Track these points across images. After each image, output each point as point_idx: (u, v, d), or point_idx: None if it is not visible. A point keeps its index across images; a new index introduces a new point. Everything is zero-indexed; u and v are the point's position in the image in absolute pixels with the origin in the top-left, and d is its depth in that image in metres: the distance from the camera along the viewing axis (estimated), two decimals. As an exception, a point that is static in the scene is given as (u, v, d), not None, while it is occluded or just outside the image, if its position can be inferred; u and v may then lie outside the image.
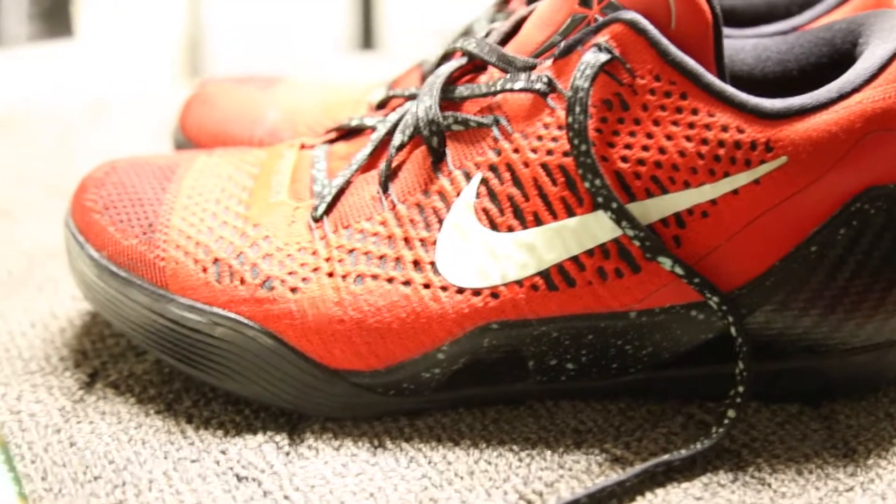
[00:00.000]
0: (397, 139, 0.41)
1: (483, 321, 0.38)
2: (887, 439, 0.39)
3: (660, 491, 0.36)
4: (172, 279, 0.40)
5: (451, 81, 0.41)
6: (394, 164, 0.41)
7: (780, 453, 0.38)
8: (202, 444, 0.39)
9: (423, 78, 0.51)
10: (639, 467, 0.37)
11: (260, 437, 0.39)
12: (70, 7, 1.17)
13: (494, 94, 0.39)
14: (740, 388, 0.38)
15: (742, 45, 0.43)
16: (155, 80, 1.22)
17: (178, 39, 1.26)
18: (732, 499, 0.36)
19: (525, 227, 0.38)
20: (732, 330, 0.37)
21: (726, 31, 0.47)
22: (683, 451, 0.37)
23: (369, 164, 0.42)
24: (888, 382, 0.42)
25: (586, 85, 0.36)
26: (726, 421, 0.38)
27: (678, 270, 0.37)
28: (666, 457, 0.37)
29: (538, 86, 0.38)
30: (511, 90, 0.39)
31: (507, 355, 0.39)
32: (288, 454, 0.39)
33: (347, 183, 0.41)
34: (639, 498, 0.36)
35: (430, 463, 0.38)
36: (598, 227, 0.37)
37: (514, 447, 0.39)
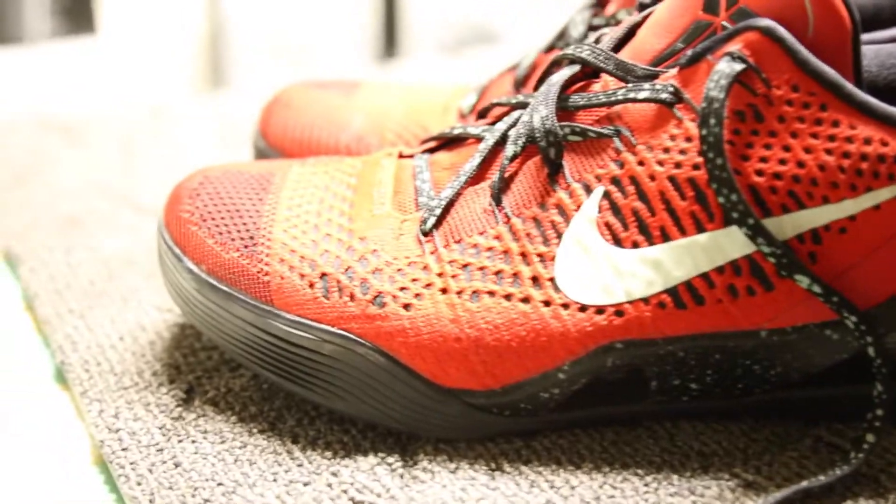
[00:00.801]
0: (510, 150, 0.39)
1: (607, 340, 0.37)
2: None
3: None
4: (277, 294, 0.39)
5: (563, 90, 0.40)
6: (506, 176, 0.39)
7: (915, 478, 0.37)
8: (312, 466, 0.38)
9: (518, 84, 0.49)
10: (778, 494, 0.35)
11: (371, 458, 0.38)
12: (92, 3, 1.16)
13: (615, 104, 0.38)
14: (879, 412, 0.36)
15: (864, 51, 0.42)
16: (175, 78, 1.21)
17: (199, 35, 1.25)
18: (872, 527, 0.35)
19: (651, 243, 0.36)
20: (870, 350, 0.36)
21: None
22: (822, 478, 0.36)
23: (478, 175, 0.40)
24: None
25: (721, 95, 0.34)
26: (865, 445, 0.36)
27: (816, 289, 0.35)
28: (804, 483, 0.35)
29: (664, 96, 0.36)
30: (634, 100, 0.37)
31: (629, 375, 0.38)
32: (402, 477, 0.37)
33: (457, 195, 0.40)
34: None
35: (552, 487, 0.37)
36: (729, 243, 0.36)
37: (639, 471, 0.37)
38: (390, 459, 0.38)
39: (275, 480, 0.37)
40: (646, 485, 0.37)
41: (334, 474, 0.37)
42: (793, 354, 0.37)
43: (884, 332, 0.36)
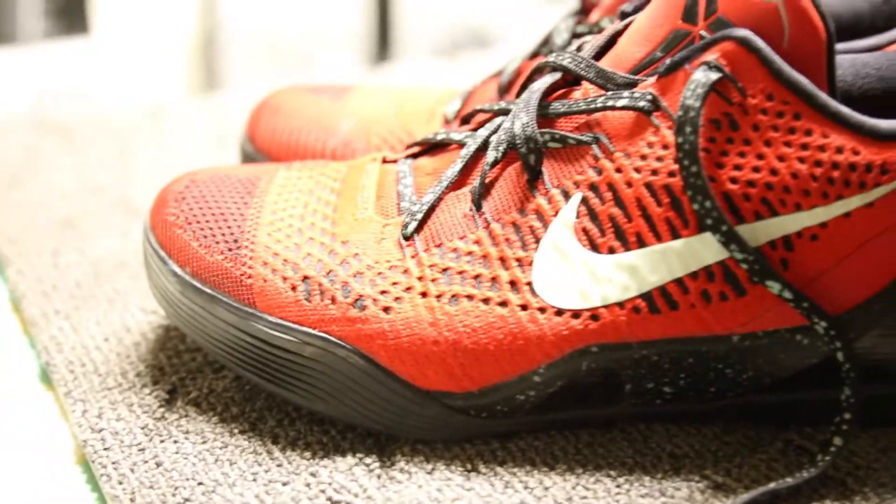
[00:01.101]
0: (491, 156, 0.40)
1: (582, 344, 0.37)
2: None
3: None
4: (260, 297, 0.39)
5: (544, 97, 0.40)
6: (487, 181, 0.40)
7: (886, 481, 0.37)
8: (291, 466, 0.38)
9: (501, 90, 0.50)
10: (745, 496, 0.36)
11: (350, 459, 0.39)
12: (86, 3, 1.17)
13: (594, 111, 0.38)
14: (847, 415, 0.37)
15: (840, 60, 0.42)
16: (170, 79, 1.21)
17: (194, 35, 1.25)
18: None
19: (627, 249, 0.37)
20: (840, 355, 0.36)
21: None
22: (790, 480, 0.36)
23: (460, 180, 0.41)
24: None
25: (698, 104, 0.35)
26: (832, 448, 0.37)
27: (786, 295, 0.36)
28: (772, 485, 0.36)
29: (642, 104, 0.37)
30: (613, 108, 0.38)
31: (604, 378, 0.38)
32: (380, 477, 0.38)
33: (438, 200, 0.40)
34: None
35: (526, 488, 0.37)
36: (703, 250, 0.36)
37: (611, 472, 0.38)
38: (368, 460, 0.38)
39: (254, 480, 0.38)
40: (618, 486, 0.37)
41: (313, 474, 0.38)
42: (764, 359, 0.38)
43: (854, 336, 0.37)
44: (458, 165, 0.41)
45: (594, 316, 0.37)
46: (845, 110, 0.35)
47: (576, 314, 0.37)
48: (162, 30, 1.23)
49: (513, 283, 0.38)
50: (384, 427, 0.39)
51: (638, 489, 0.37)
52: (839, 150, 0.35)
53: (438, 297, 0.38)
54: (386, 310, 0.38)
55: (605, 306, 0.37)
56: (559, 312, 0.37)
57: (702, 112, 0.35)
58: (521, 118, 0.39)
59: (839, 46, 0.46)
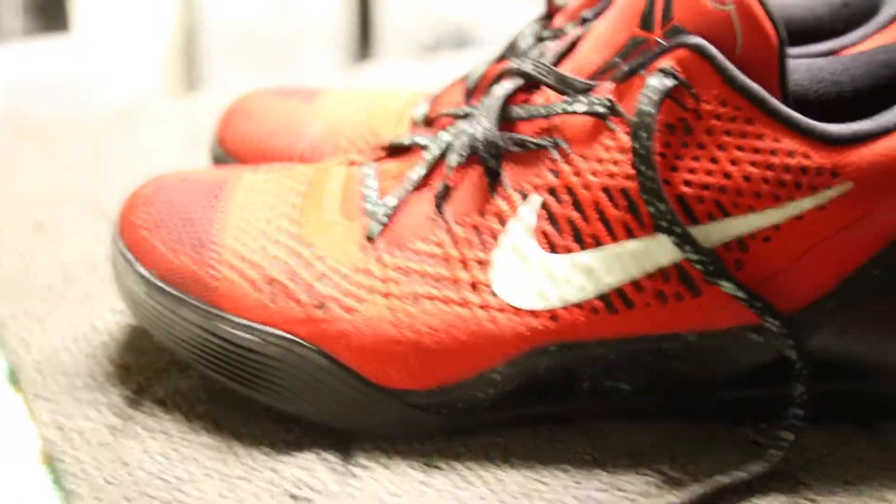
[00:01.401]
0: (453, 159, 0.40)
1: (541, 343, 0.38)
2: None
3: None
4: (225, 298, 0.40)
5: (506, 101, 0.41)
6: (449, 184, 0.40)
7: (836, 475, 0.38)
8: (254, 463, 0.39)
9: (468, 94, 0.51)
10: (695, 490, 0.36)
11: (311, 455, 0.39)
12: (66, 1, 1.17)
13: (553, 116, 0.39)
14: (797, 411, 0.37)
15: (796, 65, 0.43)
16: (150, 76, 1.21)
17: (174, 33, 1.25)
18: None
19: (584, 250, 0.38)
20: (792, 353, 0.37)
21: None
22: (741, 474, 0.37)
23: (423, 183, 0.41)
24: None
25: (653, 110, 0.36)
26: (782, 443, 0.38)
27: (740, 294, 0.36)
28: (724, 479, 0.37)
29: (599, 109, 0.38)
30: (572, 113, 0.38)
31: (563, 376, 0.39)
32: (341, 473, 0.38)
33: (401, 202, 0.41)
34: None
35: (484, 483, 0.38)
36: (658, 251, 0.37)
37: (569, 468, 0.39)
38: (330, 457, 0.39)
39: (217, 477, 0.38)
40: (576, 481, 0.38)
41: (274, 471, 0.38)
42: (720, 356, 0.38)
43: (806, 335, 0.38)
44: (422, 169, 0.41)
45: (553, 316, 0.38)
46: (796, 115, 0.36)
47: (534, 314, 0.38)
48: (142, 27, 1.23)
49: (473, 284, 0.38)
50: (347, 424, 0.40)
51: (594, 484, 0.38)
52: (790, 154, 0.36)
53: (400, 297, 0.39)
54: (349, 310, 0.39)
55: (564, 307, 0.38)
56: (518, 312, 0.38)
57: (657, 117, 0.36)
58: (482, 123, 0.40)
59: (798, 51, 0.47)
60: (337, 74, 0.91)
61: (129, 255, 0.42)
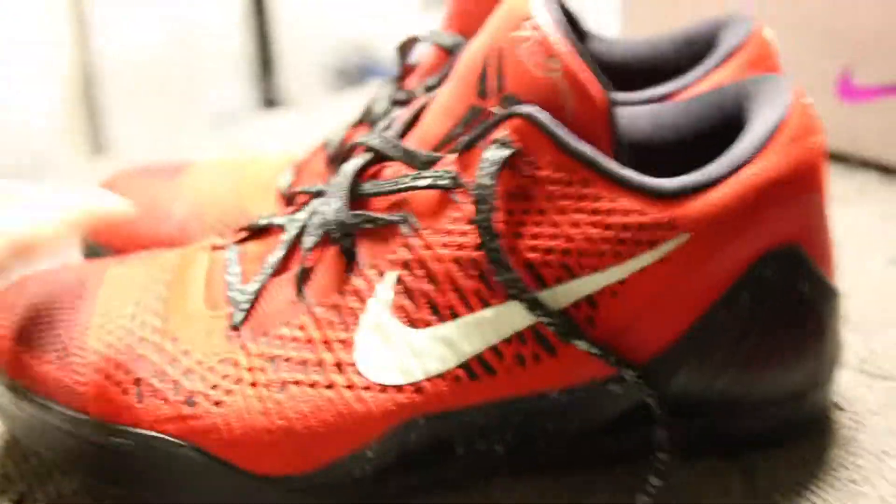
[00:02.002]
0: (308, 241, 0.41)
1: (409, 417, 0.39)
2: (803, 485, 0.41)
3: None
4: (93, 403, 0.40)
5: (358, 176, 0.42)
6: (307, 266, 0.41)
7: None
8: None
9: (329, 161, 0.51)
10: None
11: None
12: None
13: (401, 191, 0.40)
14: (661, 456, 0.39)
15: (639, 112, 0.45)
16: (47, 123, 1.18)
17: (69, 73, 1.23)
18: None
19: (442, 322, 0.38)
20: (651, 400, 0.38)
21: (620, 95, 0.48)
22: None
23: (282, 267, 0.42)
24: (805, 429, 0.44)
25: (491, 182, 0.37)
26: (649, 489, 0.39)
27: (594, 350, 0.38)
28: None
29: (444, 182, 0.39)
30: (417, 188, 0.39)
31: (436, 444, 0.40)
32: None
33: (262, 288, 0.41)
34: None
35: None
36: (513, 316, 0.38)
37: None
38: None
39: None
40: None
41: None
42: (585, 409, 0.40)
43: (663, 380, 0.39)
44: (280, 251, 0.42)
45: (417, 389, 0.38)
46: (630, 174, 0.38)
47: (399, 389, 0.39)
48: (37, 70, 1.20)
49: (338, 365, 0.39)
50: None
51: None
52: (627, 213, 0.37)
53: (267, 385, 0.39)
54: (217, 404, 0.39)
55: (427, 379, 0.38)
56: (384, 389, 0.39)
57: (496, 188, 0.37)
58: (333, 203, 0.40)
59: (640, 95, 0.49)
60: (244, 111, 0.90)
61: None
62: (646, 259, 0.38)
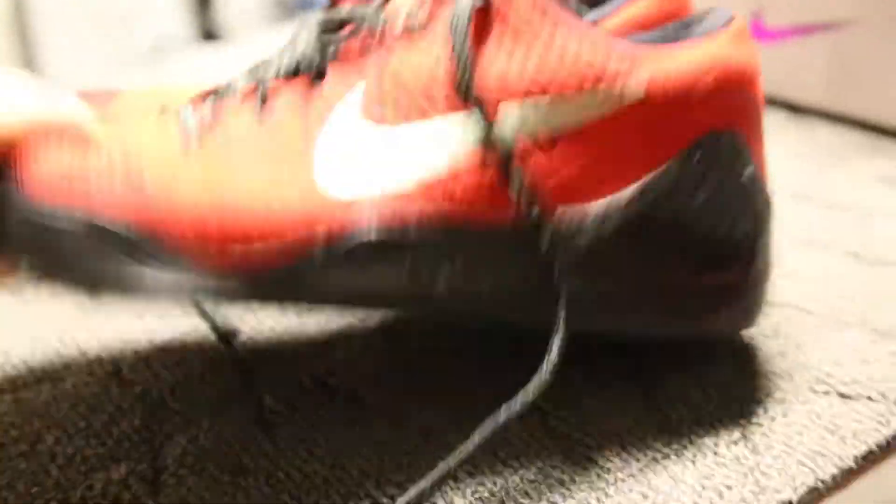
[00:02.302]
0: (272, 72, 0.40)
1: (365, 225, 0.38)
2: (699, 405, 0.42)
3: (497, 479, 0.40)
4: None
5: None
6: (267, 88, 0.40)
7: (609, 430, 0.42)
8: (67, 482, 0.39)
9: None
10: (464, 448, 0.37)
11: (123, 468, 0.40)
12: None
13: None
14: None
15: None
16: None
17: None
18: (563, 478, 0.39)
19: (409, 122, 0.38)
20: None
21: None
22: (501, 419, 0.37)
23: (245, 95, 0.41)
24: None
25: (467, 12, 0.37)
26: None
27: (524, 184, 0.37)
28: (487, 426, 0.37)
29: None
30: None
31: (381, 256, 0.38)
32: (152, 483, 0.40)
33: (219, 105, 0.40)
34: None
35: (288, 478, 0.40)
36: (468, 135, 0.38)
37: (371, 454, 0.39)
38: (140, 468, 0.41)
39: (32, 501, 0.40)
40: (377, 468, 0.39)
41: (89, 488, 0.39)
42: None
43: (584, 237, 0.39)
44: (242, 81, 0.41)
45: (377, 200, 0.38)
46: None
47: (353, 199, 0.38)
48: None
49: (295, 166, 0.38)
50: None
51: (393, 466, 0.40)
52: (594, 50, 0.38)
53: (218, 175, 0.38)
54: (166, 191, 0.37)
55: (382, 193, 0.38)
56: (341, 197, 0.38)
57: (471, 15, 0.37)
58: (302, 37, 0.41)
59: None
60: (182, 45, 0.89)
61: None
62: (603, 103, 0.38)
